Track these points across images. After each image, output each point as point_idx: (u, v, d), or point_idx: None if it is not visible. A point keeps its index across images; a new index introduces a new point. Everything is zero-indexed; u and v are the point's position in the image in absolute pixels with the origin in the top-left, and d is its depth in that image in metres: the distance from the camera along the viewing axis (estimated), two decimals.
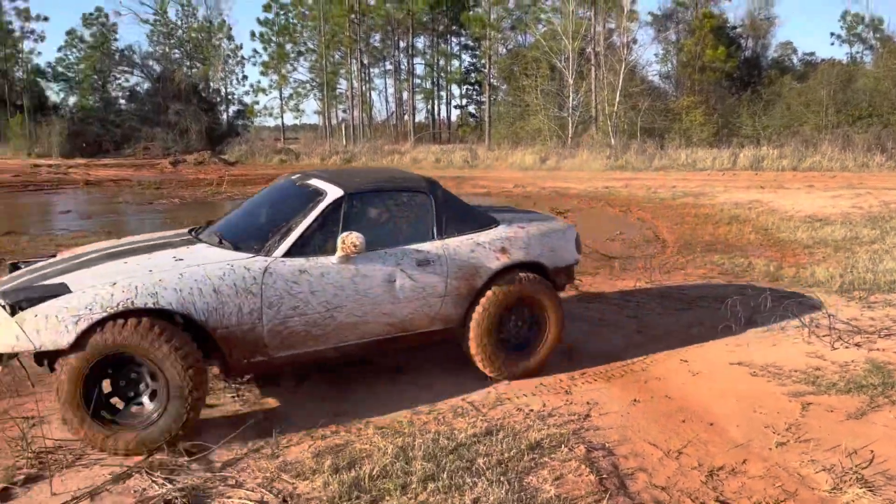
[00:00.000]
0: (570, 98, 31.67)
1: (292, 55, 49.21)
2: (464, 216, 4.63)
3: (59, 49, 49.95)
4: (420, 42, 45.67)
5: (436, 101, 47.83)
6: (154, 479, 3.36)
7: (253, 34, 50.53)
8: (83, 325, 3.48)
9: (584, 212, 13.92)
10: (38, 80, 50.35)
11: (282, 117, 51.87)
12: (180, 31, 52.28)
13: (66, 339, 3.46)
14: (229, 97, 52.95)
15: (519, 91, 35.18)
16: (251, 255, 4.06)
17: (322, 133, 46.88)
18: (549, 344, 4.71)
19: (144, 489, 3.28)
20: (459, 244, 4.46)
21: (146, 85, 50.64)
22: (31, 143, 42.80)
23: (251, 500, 3.16)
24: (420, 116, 48.84)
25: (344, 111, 47.49)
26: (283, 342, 4.02)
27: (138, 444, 3.61)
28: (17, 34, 47.51)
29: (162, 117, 45.24)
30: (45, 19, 52.35)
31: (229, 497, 3.20)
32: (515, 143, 31.98)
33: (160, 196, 19.16)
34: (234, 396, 4.38)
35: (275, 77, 49.67)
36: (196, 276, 3.79)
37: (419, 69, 46.54)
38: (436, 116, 48.49)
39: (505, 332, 4.61)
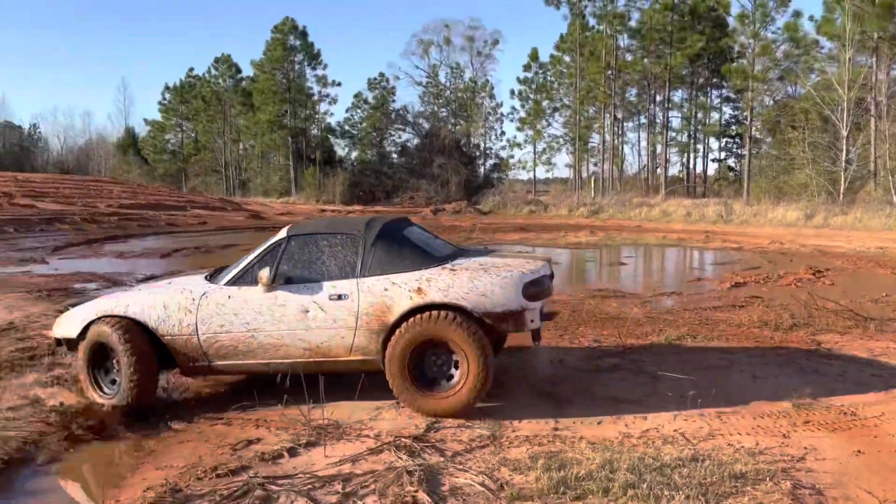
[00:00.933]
0: (844, 151, 28.94)
1: (548, 111, 51.10)
2: (394, 258, 4.91)
3: (347, 110, 57.30)
4: (677, 95, 44.83)
5: (691, 154, 46.36)
6: (399, 455, 4.08)
7: (512, 92, 53.37)
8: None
9: (849, 272, 12.80)
10: (329, 136, 58.02)
11: (534, 170, 53.82)
12: (448, 92, 57.07)
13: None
14: (487, 151, 56.35)
15: (784, 144, 32.97)
16: (207, 283, 5.27)
17: (572, 186, 47.77)
18: (469, 385, 4.64)
19: (392, 461, 4.01)
20: (374, 283, 4.82)
21: (415, 141, 55.90)
22: (319, 192, 49.35)
23: (474, 482, 3.71)
24: (674, 170, 47.62)
25: (595, 164, 48.00)
26: (216, 353, 5.04)
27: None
28: (316, 98, 55.36)
29: (427, 170, 49.58)
30: (339, 84, 60.15)
31: (456, 477, 3.79)
32: (777, 199, 29.93)
33: None
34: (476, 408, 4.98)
35: (530, 132, 51.86)
36: (156, 297, 5.18)
37: (675, 122, 45.58)
38: (690, 169, 46.94)
39: (426, 369, 4.80)
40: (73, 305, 5.93)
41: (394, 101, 57.08)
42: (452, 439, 4.37)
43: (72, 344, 5.33)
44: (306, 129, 55.86)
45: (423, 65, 56.67)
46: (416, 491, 3.56)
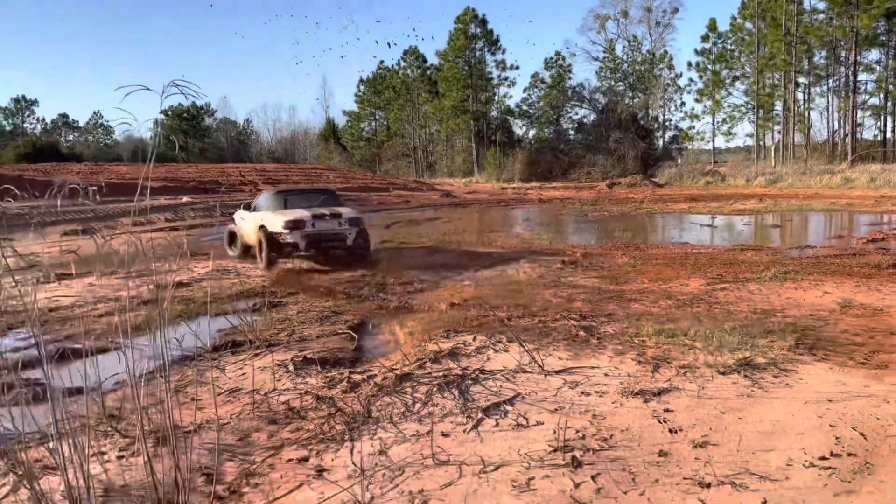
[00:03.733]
0: None
1: (727, 80, 50.45)
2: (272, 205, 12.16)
3: (525, 90, 60.18)
4: (871, 55, 42.64)
5: (887, 118, 43.89)
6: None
7: (689, 64, 53.13)
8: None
9: None
10: (508, 118, 61.25)
11: (713, 141, 53.34)
12: (625, 66, 57.91)
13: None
14: (665, 124, 56.63)
15: None
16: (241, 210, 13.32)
17: (754, 155, 47.14)
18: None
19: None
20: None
21: (592, 116, 57.53)
22: (499, 171, 52.76)
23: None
24: (868, 134, 45.30)
25: (778, 132, 46.91)
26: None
27: None
28: (496, 82, 58.74)
29: (603, 145, 51.20)
30: (517, 68, 63.04)
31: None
32: None
33: (593, 210, 23.67)
34: None
35: (709, 103, 51.51)
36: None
37: (870, 86, 43.40)
38: (887, 135, 44.44)
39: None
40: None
41: (570, 78, 58.94)
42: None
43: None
44: (487, 112, 59.42)
45: (599, 40, 57.96)
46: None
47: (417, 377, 5.00)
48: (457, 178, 55.84)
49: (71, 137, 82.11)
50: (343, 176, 38.07)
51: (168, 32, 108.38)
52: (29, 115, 79.23)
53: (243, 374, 5.37)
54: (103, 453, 3.98)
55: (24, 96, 78.15)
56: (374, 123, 73.15)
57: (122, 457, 3.92)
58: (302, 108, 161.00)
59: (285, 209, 11.57)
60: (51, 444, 4.16)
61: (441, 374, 5.05)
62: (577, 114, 59.24)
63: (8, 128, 76.40)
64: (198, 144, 79.82)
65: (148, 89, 3.09)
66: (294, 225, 10.84)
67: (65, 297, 9.18)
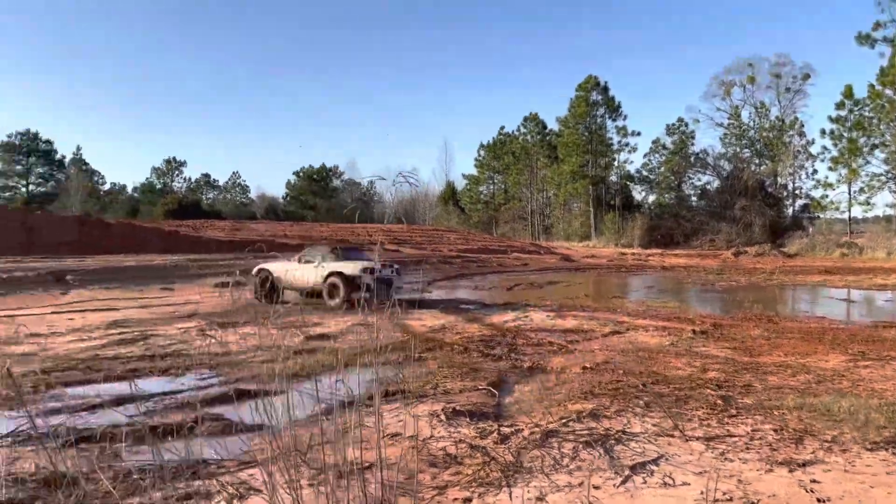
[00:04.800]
0: None
1: (865, 148, 48.10)
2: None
3: (645, 155, 60.08)
4: None
5: None
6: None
7: (822, 132, 51.08)
8: None
9: None
10: (627, 183, 60.92)
11: (848, 211, 50.59)
12: (751, 132, 56.49)
13: None
14: (795, 192, 54.41)
15: None
16: (288, 261, 16.66)
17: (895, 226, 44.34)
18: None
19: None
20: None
21: (715, 183, 56.23)
22: (618, 236, 52.35)
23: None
24: None
25: None
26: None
27: None
28: (616, 147, 58.84)
29: (728, 212, 49.80)
30: (638, 134, 62.91)
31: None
32: None
33: (720, 280, 23.14)
34: None
35: (844, 171, 49.17)
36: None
37: None
38: None
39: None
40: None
41: (692, 144, 58.27)
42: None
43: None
44: (606, 177, 59.45)
45: (724, 106, 57.03)
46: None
47: (562, 434, 5.33)
48: (573, 242, 55.82)
49: (211, 195, 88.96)
50: (463, 237, 39.15)
51: (297, 96, 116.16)
52: (178, 175, 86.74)
53: (400, 420, 5.90)
54: (294, 481, 4.58)
55: (174, 157, 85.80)
56: (492, 186, 74.77)
57: (312, 485, 4.48)
58: (423, 170, 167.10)
59: (348, 260, 15.67)
60: (251, 471, 4.83)
61: (585, 432, 5.36)
62: (699, 180, 58.22)
63: (159, 186, 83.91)
64: (325, 204, 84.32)
65: (382, 178, 3.74)
66: (370, 270, 14.64)
67: (231, 345, 10.18)
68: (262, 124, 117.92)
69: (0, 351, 9.28)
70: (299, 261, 16.10)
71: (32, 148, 74.15)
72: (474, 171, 75.26)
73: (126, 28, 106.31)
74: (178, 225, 31.75)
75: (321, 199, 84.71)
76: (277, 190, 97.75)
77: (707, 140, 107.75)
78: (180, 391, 7.49)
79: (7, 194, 73.06)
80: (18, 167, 73.81)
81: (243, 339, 11.14)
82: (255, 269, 16.46)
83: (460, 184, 79.11)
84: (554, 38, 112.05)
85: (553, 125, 63.52)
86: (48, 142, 75.17)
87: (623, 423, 5.65)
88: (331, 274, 15.11)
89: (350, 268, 15.02)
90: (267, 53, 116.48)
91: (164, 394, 7.26)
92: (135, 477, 4.69)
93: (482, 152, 73.77)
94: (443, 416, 5.91)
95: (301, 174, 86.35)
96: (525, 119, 67.33)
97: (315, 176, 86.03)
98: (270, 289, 15.54)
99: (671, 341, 10.07)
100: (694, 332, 10.93)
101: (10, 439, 5.56)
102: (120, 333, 10.99)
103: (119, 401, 6.76)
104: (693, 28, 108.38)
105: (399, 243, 31.78)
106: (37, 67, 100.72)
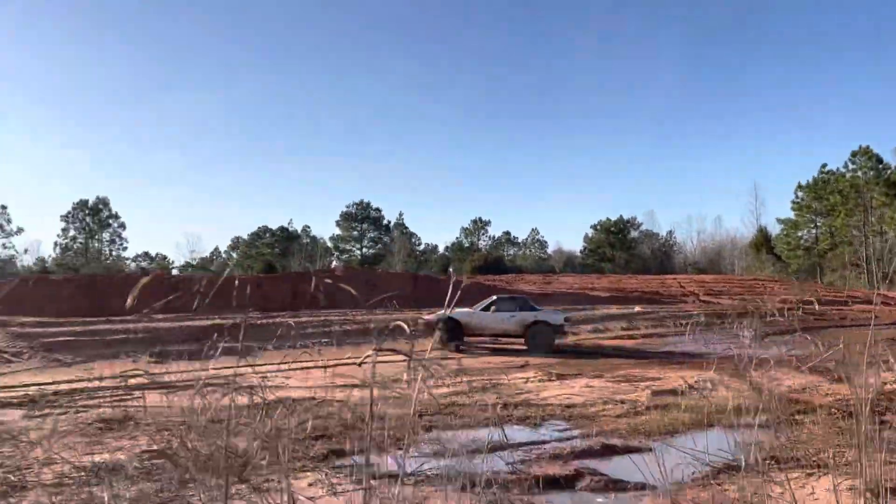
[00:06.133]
0: None
1: None
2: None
3: None
4: None
5: None
6: None
7: None
8: None
9: None
10: None
11: None
12: None
13: None
14: None
15: None
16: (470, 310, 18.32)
17: None
18: None
19: None
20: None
21: None
22: None
23: None
24: None
25: None
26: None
27: None
28: None
29: None
30: None
31: None
32: None
33: None
34: None
35: None
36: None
37: None
38: None
39: None
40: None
41: None
42: None
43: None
44: None
45: None
46: None
47: None
48: None
49: (511, 251, 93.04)
50: (784, 288, 35.38)
51: (593, 149, 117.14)
52: (483, 234, 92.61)
53: (811, 494, 5.17)
54: None
55: (480, 218, 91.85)
56: (814, 231, 67.00)
57: None
58: (728, 217, 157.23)
59: (544, 308, 18.57)
60: None
61: None
62: None
63: (466, 244, 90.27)
64: (623, 256, 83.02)
65: None
66: (567, 319, 17.93)
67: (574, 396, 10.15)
68: (560, 179, 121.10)
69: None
70: (486, 309, 17.74)
71: (365, 216, 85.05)
72: (791, 215, 68.28)
73: (441, 120, 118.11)
74: (491, 279, 33.61)
75: (619, 251, 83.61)
76: (573, 244, 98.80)
77: None
78: (544, 441, 7.53)
79: (345, 256, 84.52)
80: (355, 233, 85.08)
81: (585, 389, 11.05)
82: (437, 317, 17.09)
83: (773, 229, 72.37)
84: (883, 57, 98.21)
85: (889, 158, 55.31)
86: (377, 209, 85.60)
87: None
88: (533, 322, 16.92)
89: (555, 317, 17.41)
90: (558, 107, 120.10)
91: (532, 443, 7.34)
92: None
93: (800, 193, 66.71)
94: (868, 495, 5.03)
95: (598, 227, 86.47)
96: (853, 153, 59.56)
97: (612, 228, 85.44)
98: (457, 335, 17.10)
99: None
100: None
101: (412, 479, 5.99)
102: (470, 381, 11.61)
103: (493, 448, 6.97)
104: None
105: (714, 294, 29.73)
106: (373, 153, 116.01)
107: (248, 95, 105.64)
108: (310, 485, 6.00)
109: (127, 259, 77.97)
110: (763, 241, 73.18)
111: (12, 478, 5.90)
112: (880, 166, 57.32)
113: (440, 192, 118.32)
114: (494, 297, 18.41)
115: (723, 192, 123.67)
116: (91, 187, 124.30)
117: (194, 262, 79.50)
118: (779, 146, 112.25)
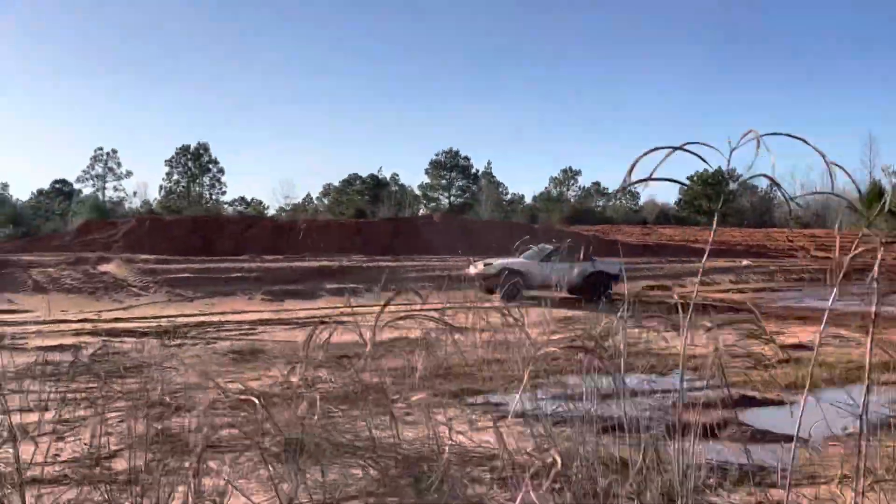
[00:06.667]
0: None
1: None
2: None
3: None
4: None
5: None
6: None
7: None
8: None
9: None
10: None
11: None
12: None
13: None
14: None
15: None
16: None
17: None
18: None
19: None
20: None
21: None
22: None
23: None
24: None
25: None
26: None
27: None
28: None
29: None
30: None
31: None
32: None
33: None
34: None
35: None
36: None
37: None
38: None
39: None
40: None
41: None
42: None
43: None
44: None
45: None
46: None
47: None
48: None
49: (601, 203, 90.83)
50: None
51: (692, 97, 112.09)
52: (573, 184, 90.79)
53: None
54: None
55: (570, 167, 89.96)
56: None
57: None
58: (838, 170, 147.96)
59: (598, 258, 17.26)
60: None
61: None
62: None
63: (555, 194, 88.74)
64: (721, 209, 79.83)
65: None
66: (621, 269, 16.78)
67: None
68: (653, 129, 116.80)
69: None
70: (547, 259, 16.32)
71: (454, 164, 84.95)
72: None
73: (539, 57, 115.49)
74: (589, 230, 32.97)
75: (716, 204, 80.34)
76: (667, 196, 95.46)
77: None
78: (676, 390, 7.34)
79: (432, 205, 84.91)
80: (443, 181, 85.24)
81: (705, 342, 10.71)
82: (495, 267, 15.90)
83: (888, 183, 67.60)
84: None
85: None
86: (466, 157, 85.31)
87: None
88: (592, 273, 16.15)
89: (611, 268, 16.52)
90: (660, 60, 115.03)
91: (665, 391, 7.16)
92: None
93: None
94: None
95: (695, 178, 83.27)
96: None
97: (710, 180, 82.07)
98: (516, 287, 15.27)
99: None
100: None
101: (550, 419, 5.95)
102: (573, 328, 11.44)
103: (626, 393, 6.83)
104: None
105: (826, 249, 28.20)
106: (464, 97, 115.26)
107: (335, 42, 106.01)
108: (450, 419, 6.07)
109: (225, 203, 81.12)
110: (877, 195, 68.65)
111: (168, 399, 6.22)
112: None
113: (529, 142, 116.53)
114: (548, 247, 17.15)
115: (834, 142, 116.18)
116: (193, 132, 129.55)
117: (287, 208, 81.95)
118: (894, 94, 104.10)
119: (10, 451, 3.04)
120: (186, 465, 3.94)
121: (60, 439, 5.12)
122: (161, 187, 76.08)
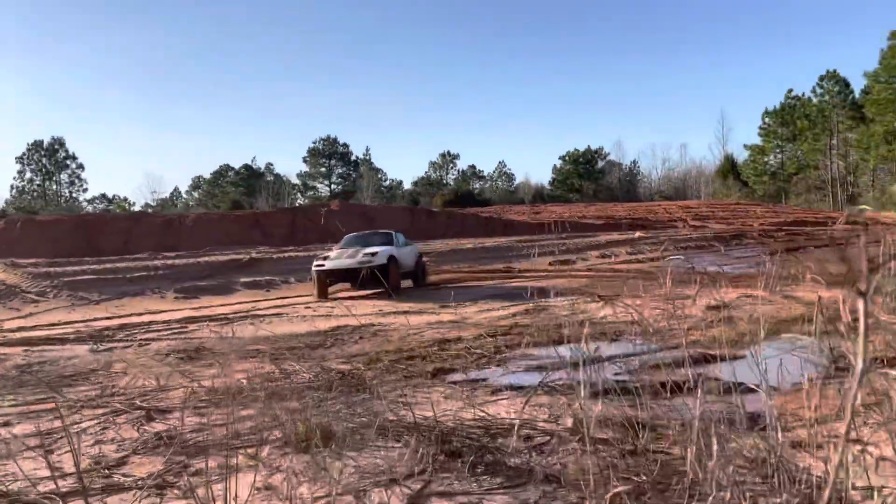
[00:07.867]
0: None
1: None
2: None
3: None
4: None
5: None
6: None
7: None
8: None
9: None
10: None
11: None
12: None
13: None
14: None
15: None
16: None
17: None
18: None
19: None
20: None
21: None
22: None
23: None
24: None
25: None
26: None
27: None
28: None
29: None
30: None
31: None
32: None
33: None
34: None
35: None
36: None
37: None
38: None
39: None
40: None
41: None
42: None
43: None
44: None
45: None
46: None
47: None
48: (891, 211, 48.92)
49: (477, 185, 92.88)
50: (772, 211, 36.31)
51: (562, 78, 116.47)
52: (451, 168, 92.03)
53: None
54: None
55: (448, 151, 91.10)
56: (780, 156, 68.35)
57: None
58: (694, 145, 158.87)
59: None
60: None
61: None
62: None
63: (434, 178, 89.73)
64: (591, 186, 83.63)
65: None
66: (421, 255, 17.75)
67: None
68: (528, 110, 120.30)
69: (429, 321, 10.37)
70: (351, 246, 15.27)
71: (332, 151, 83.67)
72: (758, 141, 69.41)
73: (408, 43, 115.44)
74: (486, 211, 33.70)
75: (586, 182, 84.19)
76: (541, 176, 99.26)
77: None
78: (634, 354, 7.70)
79: (310, 193, 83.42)
80: (322, 169, 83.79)
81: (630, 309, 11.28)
82: (381, 256, 14.31)
83: (740, 156, 73.59)
84: None
85: (856, 82, 56.25)
86: (345, 145, 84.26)
87: None
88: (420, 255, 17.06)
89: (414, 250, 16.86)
90: (524, 41, 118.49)
91: (626, 356, 7.51)
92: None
93: (767, 119, 67.70)
94: None
95: (566, 158, 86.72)
96: (821, 78, 60.40)
97: (580, 159, 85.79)
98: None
99: None
100: None
101: (540, 389, 6.10)
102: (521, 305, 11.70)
103: (593, 360, 7.10)
104: None
105: (702, 219, 30.39)
106: (339, 81, 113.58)
107: (204, 27, 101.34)
108: (445, 398, 6.08)
109: (85, 201, 75.68)
110: (730, 168, 74.45)
111: (138, 402, 5.85)
112: (847, 90, 58.32)
113: (405, 128, 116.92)
114: (352, 236, 16.41)
115: (689, 120, 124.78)
116: (45, 127, 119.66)
117: (154, 204, 77.60)
118: (745, 73, 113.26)
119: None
120: (213, 464, 3.75)
121: (50, 452, 4.69)
122: (12, 187, 69.95)
